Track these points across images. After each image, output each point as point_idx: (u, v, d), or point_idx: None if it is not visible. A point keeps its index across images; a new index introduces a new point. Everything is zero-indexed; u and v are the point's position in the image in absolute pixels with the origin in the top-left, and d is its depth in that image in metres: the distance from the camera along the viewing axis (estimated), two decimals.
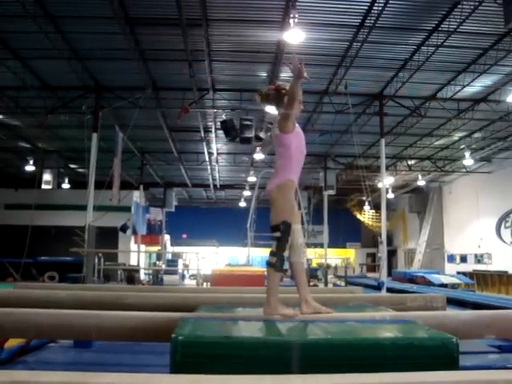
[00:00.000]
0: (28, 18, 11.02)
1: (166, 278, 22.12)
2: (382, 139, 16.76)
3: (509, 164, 22.67)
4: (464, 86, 15.14)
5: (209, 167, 26.13)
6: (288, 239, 3.58)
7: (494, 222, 23.70)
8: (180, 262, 30.37)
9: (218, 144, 21.70)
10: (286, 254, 3.60)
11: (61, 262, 17.85)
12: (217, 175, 28.51)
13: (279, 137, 3.79)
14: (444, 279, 20.13)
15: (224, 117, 16.55)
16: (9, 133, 19.92)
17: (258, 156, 21.42)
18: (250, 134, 15.64)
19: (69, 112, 16.39)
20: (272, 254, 3.57)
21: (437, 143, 22.31)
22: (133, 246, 25.83)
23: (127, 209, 23.58)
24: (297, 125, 3.82)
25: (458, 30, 11.52)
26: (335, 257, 33.76)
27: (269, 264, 3.58)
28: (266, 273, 3.89)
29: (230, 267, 18.64)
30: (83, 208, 14.76)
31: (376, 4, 10.80)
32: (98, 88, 15.47)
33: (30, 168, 23.80)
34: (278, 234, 3.55)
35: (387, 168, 22.12)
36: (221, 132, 17.37)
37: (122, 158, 17.05)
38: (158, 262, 29.62)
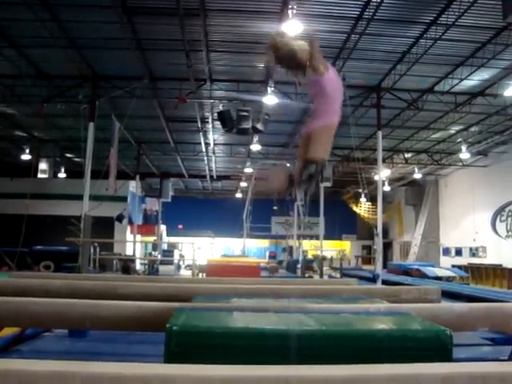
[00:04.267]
0: (24, 5, 10.94)
1: (162, 268, 22.18)
2: (379, 132, 16.77)
3: (505, 158, 22.74)
4: (461, 80, 15.14)
5: (205, 158, 26.13)
6: (318, 177, 3.63)
7: (490, 216, 23.81)
8: (176, 253, 30.43)
9: (214, 135, 21.68)
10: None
11: (56, 251, 17.83)
12: (213, 166, 28.51)
13: (314, 79, 3.68)
14: (439, 272, 20.22)
15: (221, 107, 16.53)
16: (4, 121, 19.84)
17: (255, 147, 21.41)
18: (247, 124, 15.63)
19: (65, 101, 16.33)
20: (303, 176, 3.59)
21: (433, 136, 22.35)
22: (129, 236, 25.85)
23: (123, 199, 23.57)
24: (335, 73, 3.76)
25: (457, 23, 11.53)
26: (331, 249, 33.90)
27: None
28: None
29: (225, 258, 18.69)
30: (79, 197, 14.74)
31: None
32: (95, 77, 15.40)
33: (25, 157, 23.73)
34: (312, 170, 3.58)
35: (384, 161, 22.17)
36: (218, 123, 17.35)
37: (118, 147, 16.98)
38: (153, 252, 29.66)
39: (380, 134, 16.78)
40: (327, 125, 3.65)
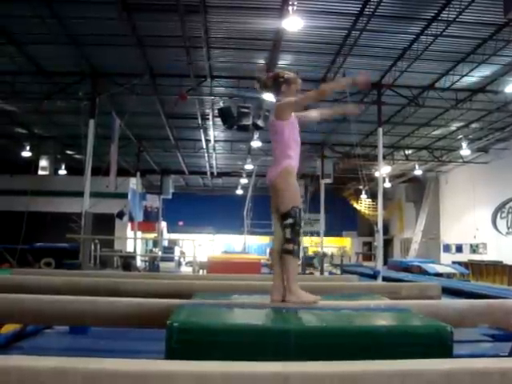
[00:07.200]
0: (23, 1, 10.91)
1: (163, 264, 22.19)
2: (379, 128, 16.74)
3: (506, 154, 22.69)
4: (462, 76, 15.10)
5: (206, 154, 26.09)
6: (301, 224, 3.61)
7: (490, 213, 23.79)
8: (176, 249, 30.43)
9: (215, 131, 21.64)
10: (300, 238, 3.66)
11: (57, 248, 17.82)
12: (214, 163, 28.47)
13: (273, 124, 3.84)
14: (439, 269, 20.20)
15: (221, 104, 16.50)
16: (5, 118, 19.79)
17: (256, 144, 21.38)
18: (248, 121, 15.60)
19: (65, 98, 16.28)
20: (288, 240, 3.57)
21: (434, 133, 22.30)
22: (129, 233, 25.85)
23: (124, 195, 23.55)
24: (293, 115, 3.84)
25: (458, 19, 11.47)
26: (331, 245, 33.88)
27: (285, 251, 3.58)
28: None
29: (226, 254, 18.69)
30: (80, 194, 14.73)
31: None
32: (95, 74, 15.36)
33: (26, 154, 23.71)
34: (290, 221, 3.57)
35: (384, 157, 22.13)
36: (218, 119, 17.31)
37: (118, 144, 16.97)
38: (154, 249, 29.66)
39: (380, 130, 16.75)
40: (283, 170, 3.67)
